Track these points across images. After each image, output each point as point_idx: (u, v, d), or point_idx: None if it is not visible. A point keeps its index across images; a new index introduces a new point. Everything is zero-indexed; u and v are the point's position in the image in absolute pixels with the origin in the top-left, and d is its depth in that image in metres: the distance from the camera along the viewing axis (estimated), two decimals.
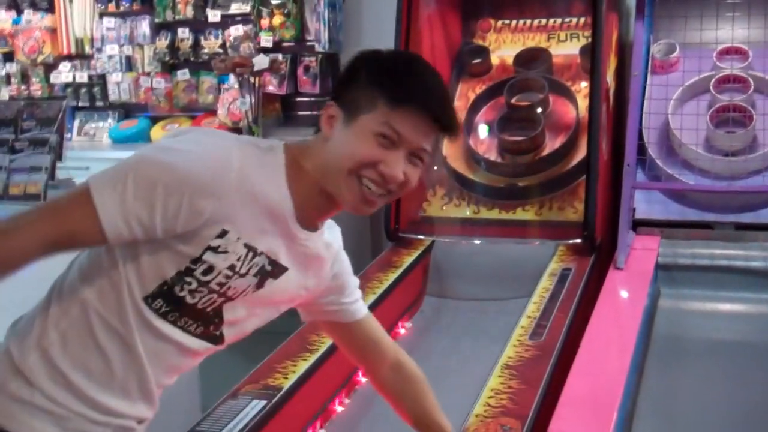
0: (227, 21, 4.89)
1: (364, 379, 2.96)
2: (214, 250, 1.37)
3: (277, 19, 4.67)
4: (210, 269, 1.39)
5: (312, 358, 2.66)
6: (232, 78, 4.75)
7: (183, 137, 1.42)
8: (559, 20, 4.20)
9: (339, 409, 2.77)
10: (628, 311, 3.09)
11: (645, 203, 3.63)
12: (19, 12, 5.39)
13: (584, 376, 2.46)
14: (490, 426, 2.17)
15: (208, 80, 4.99)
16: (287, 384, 2.49)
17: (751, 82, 3.64)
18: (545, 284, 3.19)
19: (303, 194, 1.45)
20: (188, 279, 1.39)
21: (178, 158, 1.34)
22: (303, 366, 2.61)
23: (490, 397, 2.32)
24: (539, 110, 4.02)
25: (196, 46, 5.01)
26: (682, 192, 3.61)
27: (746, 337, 3.10)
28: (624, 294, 3.23)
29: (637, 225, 3.60)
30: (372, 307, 3.07)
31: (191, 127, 1.41)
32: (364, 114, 1.39)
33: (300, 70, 4.70)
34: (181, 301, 1.40)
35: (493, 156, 4.01)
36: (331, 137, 1.42)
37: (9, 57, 5.43)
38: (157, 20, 5.05)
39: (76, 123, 5.38)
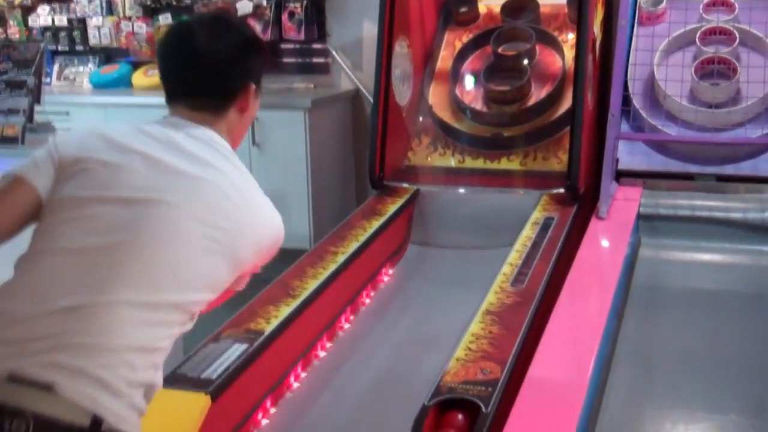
0: None
1: (347, 325, 2.99)
2: None
3: None
4: None
5: (294, 304, 2.67)
6: None
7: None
8: None
9: (321, 354, 2.80)
10: (608, 260, 3.11)
11: (628, 154, 3.63)
12: None
13: (564, 322, 2.48)
14: (470, 369, 2.19)
15: None
16: (269, 328, 2.50)
17: (737, 34, 3.63)
18: (528, 233, 3.21)
19: None
20: None
21: None
22: (285, 311, 2.62)
23: (471, 342, 2.34)
24: (525, 60, 3.99)
25: None
26: (665, 143, 3.62)
27: (724, 287, 3.14)
28: (605, 243, 3.25)
29: (620, 175, 3.61)
30: (356, 254, 3.13)
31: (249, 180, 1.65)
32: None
33: (285, 17, 4.63)
34: None
35: (478, 105, 3.99)
36: (248, 109, 1.70)
37: None
38: None
39: (56, 67, 5.30)
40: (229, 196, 1.53)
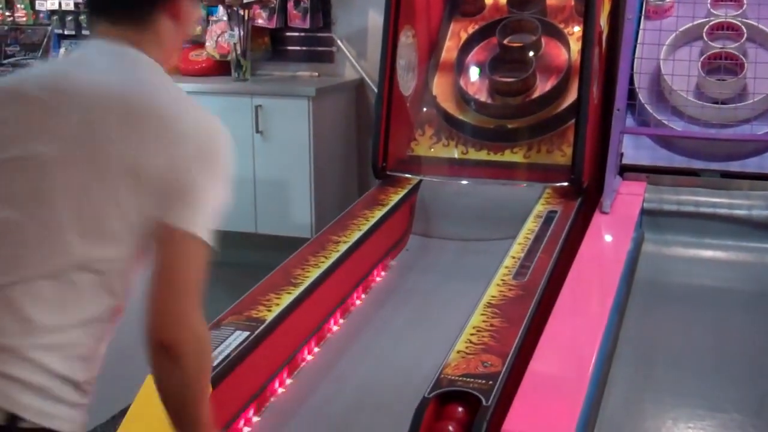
0: None
1: (347, 314, 2.99)
2: None
3: None
4: None
5: (296, 292, 2.66)
6: (221, 10, 4.66)
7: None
8: None
9: (322, 343, 2.79)
10: (611, 255, 3.11)
11: (633, 148, 3.63)
12: None
13: (566, 316, 2.48)
14: (471, 362, 2.19)
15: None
16: (270, 316, 2.50)
17: (744, 30, 3.62)
18: (530, 226, 3.20)
19: None
20: None
21: None
22: (287, 299, 2.61)
23: (472, 335, 2.34)
24: (531, 52, 3.98)
25: None
26: (670, 138, 3.61)
27: (727, 284, 3.14)
28: (608, 238, 3.25)
29: (624, 170, 3.60)
30: (357, 244, 3.13)
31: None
32: None
33: (290, 4, 4.61)
34: None
35: (483, 97, 3.98)
36: (181, 15, 1.50)
37: None
38: None
39: (62, 51, 5.27)
40: (131, 116, 1.34)
